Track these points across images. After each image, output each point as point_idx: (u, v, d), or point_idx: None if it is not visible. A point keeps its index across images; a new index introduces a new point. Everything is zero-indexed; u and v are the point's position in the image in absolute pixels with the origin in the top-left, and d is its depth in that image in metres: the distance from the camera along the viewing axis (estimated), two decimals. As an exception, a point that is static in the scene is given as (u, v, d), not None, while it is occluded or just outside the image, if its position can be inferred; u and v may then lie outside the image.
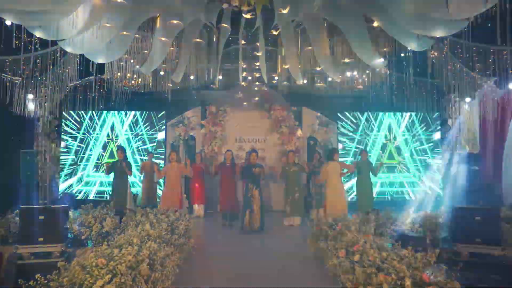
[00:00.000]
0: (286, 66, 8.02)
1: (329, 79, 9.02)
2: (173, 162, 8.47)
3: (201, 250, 6.59)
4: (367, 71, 9.75)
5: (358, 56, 7.07)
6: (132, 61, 8.62)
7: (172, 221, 6.28)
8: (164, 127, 11.96)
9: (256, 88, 11.00)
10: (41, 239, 6.62)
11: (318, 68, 7.85)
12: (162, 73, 8.63)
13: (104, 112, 12.04)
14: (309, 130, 11.82)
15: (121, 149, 9.10)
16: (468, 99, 10.83)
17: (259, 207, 8.21)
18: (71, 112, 12.05)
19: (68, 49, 6.54)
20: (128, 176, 8.94)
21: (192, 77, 8.68)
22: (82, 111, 12.05)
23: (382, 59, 7.23)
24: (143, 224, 5.45)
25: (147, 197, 9.96)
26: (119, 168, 8.88)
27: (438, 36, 6.46)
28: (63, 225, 6.89)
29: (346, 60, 7.25)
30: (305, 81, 8.72)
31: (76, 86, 11.75)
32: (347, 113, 12.06)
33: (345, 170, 8.82)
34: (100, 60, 7.27)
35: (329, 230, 6.04)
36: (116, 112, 12.06)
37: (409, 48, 6.98)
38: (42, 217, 6.70)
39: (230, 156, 9.10)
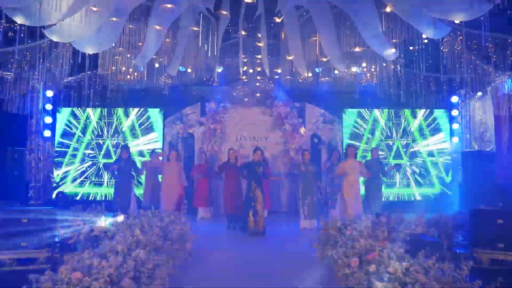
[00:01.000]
0: (290, 58, 7.42)
1: (336, 71, 8.40)
2: (173, 162, 7.83)
3: (199, 256, 6.00)
4: (374, 66, 9.15)
5: (369, 45, 6.47)
6: (128, 55, 8.01)
7: (166, 225, 5.69)
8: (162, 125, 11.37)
9: (257, 84, 10.40)
10: (25, 244, 6.04)
11: (324, 59, 7.22)
12: (157, 65, 8.01)
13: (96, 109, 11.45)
14: (313, 128, 11.21)
15: (125, 148, 8.56)
16: (479, 94, 10.23)
17: (262, 207, 7.65)
18: (65, 108, 11.45)
19: (54, 37, 5.95)
20: (132, 177, 8.48)
21: (189, 70, 8.05)
22: (78, 108, 11.46)
23: (394, 49, 6.63)
24: (133, 229, 4.85)
25: (150, 199, 9.37)
26: (123, 168, 8.39)
27: (456, 23, 5.85)
28: (49, 229, 6.31)
29: (357, 49, 6.61)
30: (309, 74, 8.11)
31: (70, 82, 11.20)
32: (352, 110, 11.46)
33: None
34: (89, 50, 6.67)
35: (338, 235, 5.44)
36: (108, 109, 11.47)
37: (424, 36, 6.37)
38: (26, 220, 6.14)
39: (233, 155, 8.48)
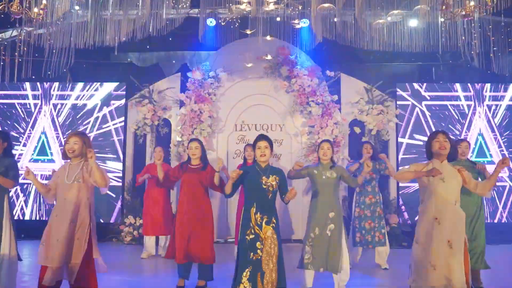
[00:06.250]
0: None
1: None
2: (75, 161, 3.24)
3: None
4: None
5: None
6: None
7: None
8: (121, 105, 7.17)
9: (268, 38, 6.11)
10: None
11: None
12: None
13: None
14: (353, 111, 6.93)
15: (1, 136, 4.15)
16: None
17: (275, 258, 3.33)
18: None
19: None
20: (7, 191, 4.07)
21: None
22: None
23: None
24: None
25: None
26: None
27: None
28: None
29: None
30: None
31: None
32: (416, 85, 7.20)
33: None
34: None
35: None
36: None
37: None
38: None
39: (198, 153, 4.19)
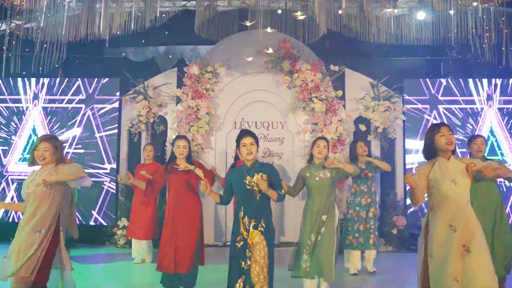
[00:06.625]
0: None
1: None
2: (44, 168, 2.97)
3: None
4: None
5: None
6: None
7: None
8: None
9: (269, 30, 5.78)
10: None
11: None
12: None
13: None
14: (358, 107, 6.60)
15: None
16: None
17: (266, 268, 2.95)
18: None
19: None
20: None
21: None
22: None
23: None
24: None
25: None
26: None
27: None
28: None
29: None
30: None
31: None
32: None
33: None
34: None
35: None
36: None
37: None
38: None
39: (186, 152, 3.76)
